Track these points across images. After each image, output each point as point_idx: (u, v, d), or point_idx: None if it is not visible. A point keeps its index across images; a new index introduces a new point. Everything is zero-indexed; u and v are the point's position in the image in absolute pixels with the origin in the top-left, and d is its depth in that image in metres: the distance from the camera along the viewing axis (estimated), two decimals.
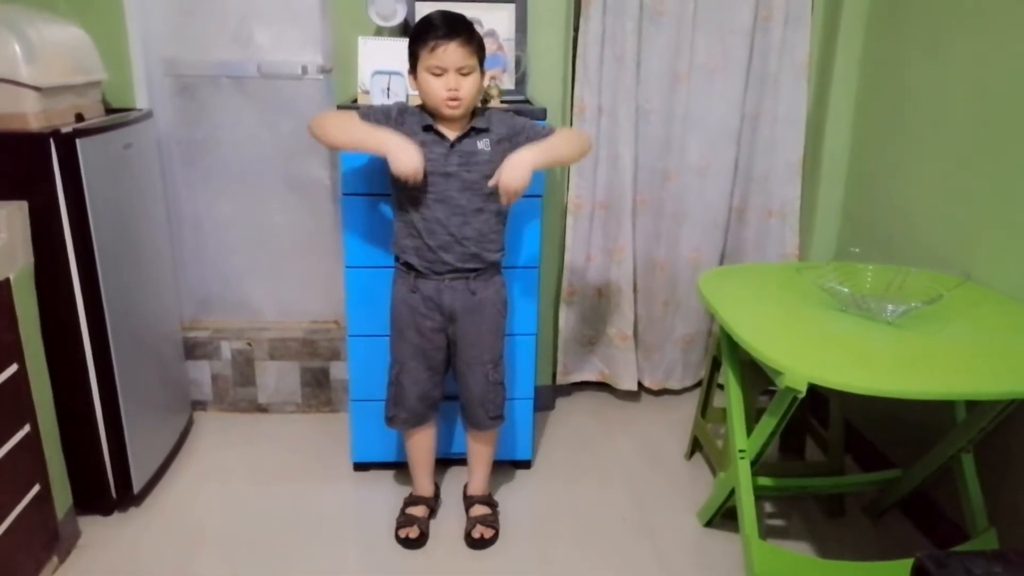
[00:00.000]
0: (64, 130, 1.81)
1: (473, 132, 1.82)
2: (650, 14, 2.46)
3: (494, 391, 1.99)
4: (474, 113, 1.85)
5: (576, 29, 2.45)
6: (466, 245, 1.84)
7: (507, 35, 2.28)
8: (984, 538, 1.77)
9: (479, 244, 1.86)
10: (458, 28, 1.72)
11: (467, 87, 1.74)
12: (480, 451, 2.10)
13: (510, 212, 1.93)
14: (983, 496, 1.79)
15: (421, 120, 1.81)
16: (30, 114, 1.80)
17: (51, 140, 1.79)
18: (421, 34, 1.74)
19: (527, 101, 2.27)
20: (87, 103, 2.03)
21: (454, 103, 1.74)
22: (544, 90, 2.42)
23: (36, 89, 1.79)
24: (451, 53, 1.71)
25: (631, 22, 2.41)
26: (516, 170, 1.73)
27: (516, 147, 1.79)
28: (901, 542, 2.06)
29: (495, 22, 2.28)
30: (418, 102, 1.85)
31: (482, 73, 1.80)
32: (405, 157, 1.71)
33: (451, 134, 1.81)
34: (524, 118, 1.90)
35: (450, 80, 1.72)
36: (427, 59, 1.72)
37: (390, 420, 2.02)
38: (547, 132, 1.86)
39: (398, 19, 2.18)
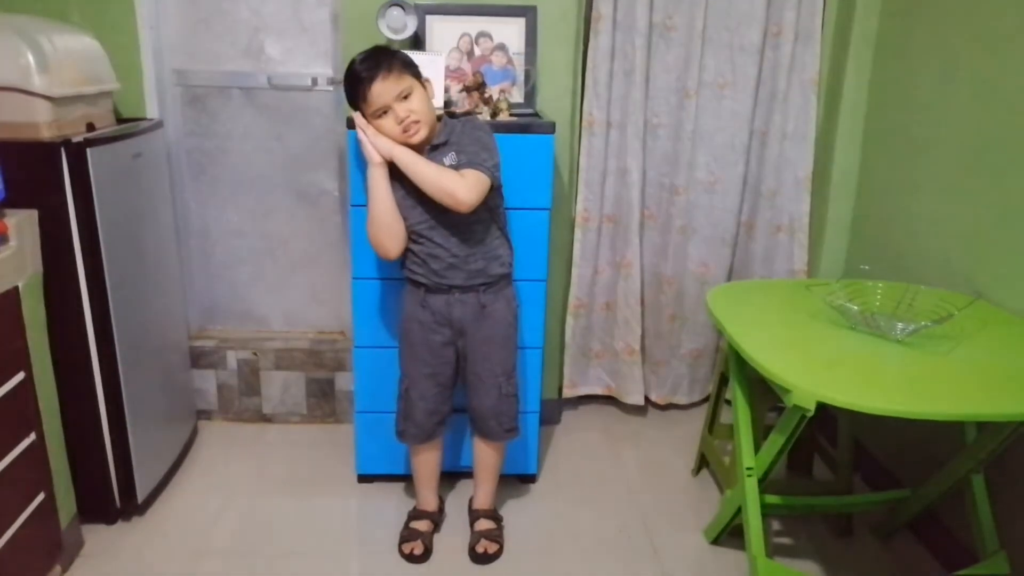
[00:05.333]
0: (75, 139, 1.82)
1: (435, 150, 1.80)
2: (660, 30, 2.47)
3: (508, 404, 1.98)
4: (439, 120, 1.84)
5: (586, 44, 2.46)
6: (471, 261, 1.84)
7: (517, 49, 2.29)
8: (994, 560, 1.75)
9: (484, 258, 1.86)
10: (374, 66, 1.72)
11: (415, 106, 1.74)
12: (488, 463, 2.09)
13: (507, 216, 1.93)
14: (993, 518, 1.77)
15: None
16: (42, 123, 1.81)
17: (62, 149, 1.80)
18: (349, 89, 1.77)
19: (536, 114, 2.28)
20: (98, 112, 2.04)
21: (413, 127, 1.74)
22: (553, 104, 2.42)
23: (48, 99, 1.81)
24: (379, 92, 1.71)
25: (640, 38, 2.42)
26: (384, 151, 1.75)
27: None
28: (910, 563, 2.04)
29: (505, 36, 2.29)
30: None
31: (423, 82, 1.78)
32: (371, 156, 1.76)
33: None
34: (477, 132, 1.81)
35: (398, 112, 1.73)
36: (367, 108, 1.75)
37: (400, 434, 2.01)
38: (463, 161, 1.76)
39: (408, 32, 2.19)
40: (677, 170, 2.57)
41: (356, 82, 1.74)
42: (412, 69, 1.77)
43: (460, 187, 1.71)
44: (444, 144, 1.80)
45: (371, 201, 1.80)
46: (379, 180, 1.78)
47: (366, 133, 1.76)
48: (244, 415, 2.68)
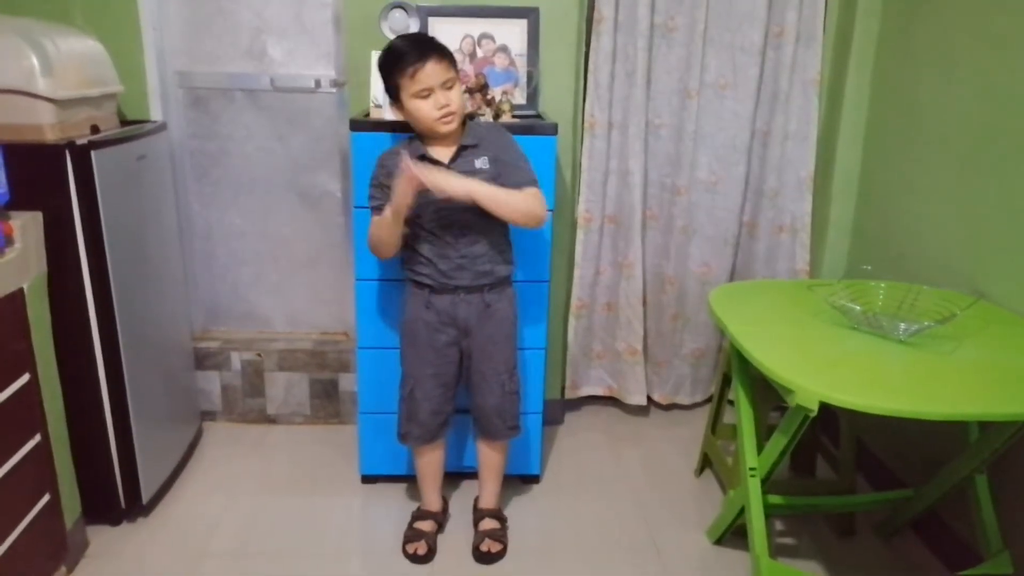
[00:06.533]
0: (79, 142, 1.83)
1: (465, 150, 1.81)
2: (661, 31, 2.47)
3: (511, 401, 2.00)
4: (463, 126, 1.85)
5: (588, 45, 2.46)
6: (479, 263, 1.85)
7: (519, 50, 2.30)
8: (997, 560, 1.75)
9: (491, 260, 1.87)
10: (429, 47, 1.74)
11: (455, 99, 1.76)
12: (492, 462, 2.10)
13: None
14: (996, 517, 1.77)
15: (413, 153, 1.80)
16: (46, 126, 1.82)
17: (66, 151, 1.81)
18: (396, 63, 1.74)
19: (539, 116, 2.28)
20: (102, 115, 2.05)
21: (448, 118, 1.75)
22: (556, 105, 2.42)
23: (52, 101, 1.81)
24: (431, 72, 1.72)
25: (642, 39, 2.42)
26: (458, 188, 1.71)
27: (500, 170, 1.81)
28: (913, 563, 2.04)
29: (508, 37, 2.29)
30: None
31: (460, 80, 1.81)
32: (399, 191, 1.70)
33: (444, 157, 1.81)
34: (514, 144, 1.87)
35: (439, 98, 1.73)
36: (410, 85, 1.73)
37: (403, 436, 2.02)
38: (521, 180, 1.81)
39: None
40: (679, 170, 2.58)
41: (405, 59, 1.72)
42: (455, 64, 1.79)
43: (538, 208, 1.80)
44: (475, 147, 1.82)
45: (388, 230, 1.78)
46: (402, 216, 1.76)
47: (432, 175, 1.69)
48: (248, 416, 2.69)
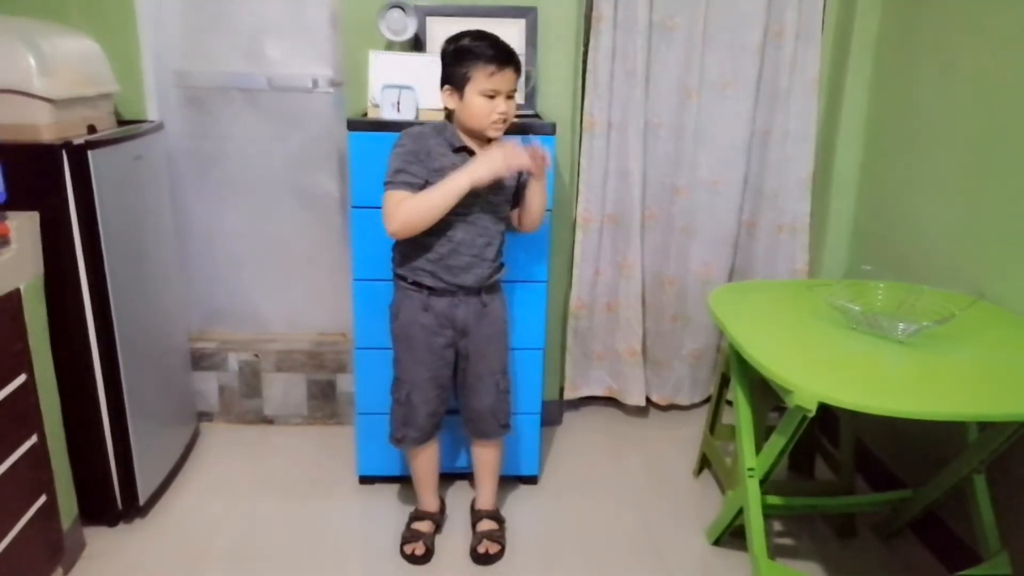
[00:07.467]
0: (76, 142, 1.82)
1: None
2: (660, 30, 2.47)
3: (504, 400, 2.00)
4: None
5: (586, 44, 2.46)
6: (484, 266, 1.86)
7: (517, 50, 2.27)
8: (996, 561, 1.74)
9: (494, 262, 1.89)
10: (514, 56, 1.77)
11: (512, 110, 1.79)
12: (488, 461, 2.09)
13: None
14: (995, 518, 1.77)
15: (450, 140, 1.80)
16: (42, 126, 1.81)
17: (63, 151, 1.80)
18: (479, 57, 1.73)
19: (537, 115, 2.28)
20: (99, 115, 2.05)
21: (501, 125, 1.78)
22: (554, 105, 2.42)
23: (49, 101, 1.81)
24: (507, 79, 1.74)
25: (641, 38, 2.42)
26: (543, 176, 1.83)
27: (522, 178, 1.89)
28: (912, 564, 2.04)
29: (506, 37, 2.26)
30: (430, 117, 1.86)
31: None
32: (487, 166, 1.72)
33: None
34: None
35: (500, 104, 1.75)
36: (483, 82, 1.73)
37: (399, 441, 2.00)
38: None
39: (408, 34, 2.20)
40: (678, 170, 2.57)
41: (490, 56, 1.72)
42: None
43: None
44: None
45: (450, 200, 1.72)
46: (463, 191, 1.73)
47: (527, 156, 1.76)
48: (245, 417, 2.68)
